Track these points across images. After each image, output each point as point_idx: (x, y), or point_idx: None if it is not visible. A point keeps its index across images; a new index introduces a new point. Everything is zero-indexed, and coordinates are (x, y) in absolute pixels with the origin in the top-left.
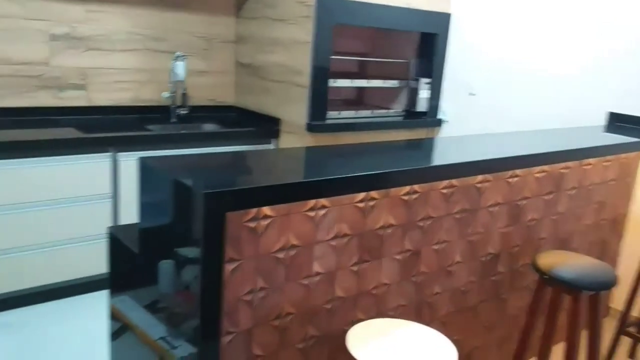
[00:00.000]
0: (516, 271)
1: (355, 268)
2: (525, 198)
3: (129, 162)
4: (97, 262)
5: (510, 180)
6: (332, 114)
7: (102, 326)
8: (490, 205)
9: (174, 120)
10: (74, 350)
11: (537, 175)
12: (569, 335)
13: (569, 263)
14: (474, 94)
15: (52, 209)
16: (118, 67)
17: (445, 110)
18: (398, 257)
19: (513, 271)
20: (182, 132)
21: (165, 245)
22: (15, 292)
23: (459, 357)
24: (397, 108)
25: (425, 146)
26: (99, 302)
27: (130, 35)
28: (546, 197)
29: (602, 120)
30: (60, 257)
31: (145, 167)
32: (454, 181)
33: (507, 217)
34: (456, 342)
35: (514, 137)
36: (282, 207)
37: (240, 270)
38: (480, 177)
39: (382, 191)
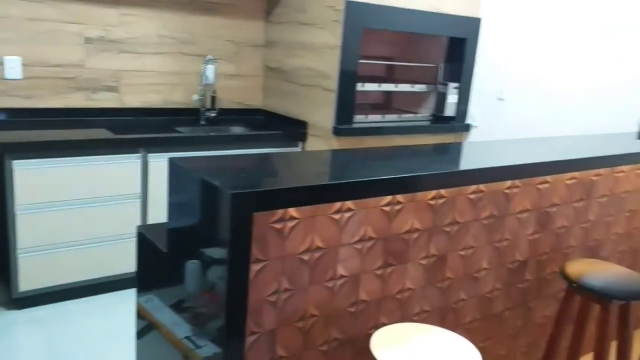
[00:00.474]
0: (544, 279)
1: (379, 272)
2: (555, 205)
3: (159, 163)
4: (126, 261)
5: (539, 186)
6: (359, 117)
7: (129, 324)
8: (519, 212)
9: (203, 122)
10: (101, 347)
11: (568, 182)
12: (597, 345)
13: (598, 271)
14: (503, 99)
15: (84, 207)
16: (149, 70)
17: (474, 115)
18: (423, 262)
19: (540, 279)
20: (211, 134)
21: (192, 245)
22: (46, 288)
23: None
24: (425, 113)
25: (452, 150)
26: (128, 300)
27: (161, 39)
28: (576, 205)
29: (635, 127)
30: (90, 255)
31: (175, 167)
32: (482, 186)
33: (536, 224)
34: (481, 350)
35: (544, 143)
36: (308, 209)
37: (265, 271)
38: (509, 183)
39: (409, 195)
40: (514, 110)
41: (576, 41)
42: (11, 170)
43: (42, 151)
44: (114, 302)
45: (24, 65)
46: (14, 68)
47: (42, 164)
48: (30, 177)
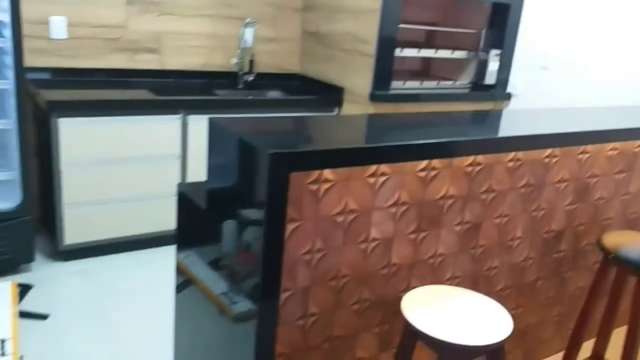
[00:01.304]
0: (579, 250)
1: (412, 236)
2: (595, 176)
3: (198, 125)
4: (167, 219)
5: (579, 156)
6: (396, 84)
7: (169, 278)
8: (557, 181)
9: (240, 86)
10: (142, 299)
11: (609, 152)
12: (632, 319)
13: (636, 244)
14: (546, 68)
15: (126, 166)
16: (190, 32)
17: (515, 83)
18: (457, 228)
19: (576, 250)
20: (248, 98)
21: (230, 205)
22: (90, 242)
23: (513, 331)
24: (464, 80)
25: (491, 118)
26: (168, 256)
27: (202, 1)
28: (617, 176)
29: None
30: (133, 212)
31: (215, 127)
32: (520, 154)
33: (574, 195)
34: (512, 317)
35: (587, 113)
36: (343, 172)
37: (300, 231)
38: (548, 151)
39: (445, 161)
40: (557, 80)
41: (624, 11)
42: (57, 128)
43: (86, 110)
44: (154, 258)
45: (69, 25)
46: (59, 28)
47: (86, 122)
48: (75, 134)
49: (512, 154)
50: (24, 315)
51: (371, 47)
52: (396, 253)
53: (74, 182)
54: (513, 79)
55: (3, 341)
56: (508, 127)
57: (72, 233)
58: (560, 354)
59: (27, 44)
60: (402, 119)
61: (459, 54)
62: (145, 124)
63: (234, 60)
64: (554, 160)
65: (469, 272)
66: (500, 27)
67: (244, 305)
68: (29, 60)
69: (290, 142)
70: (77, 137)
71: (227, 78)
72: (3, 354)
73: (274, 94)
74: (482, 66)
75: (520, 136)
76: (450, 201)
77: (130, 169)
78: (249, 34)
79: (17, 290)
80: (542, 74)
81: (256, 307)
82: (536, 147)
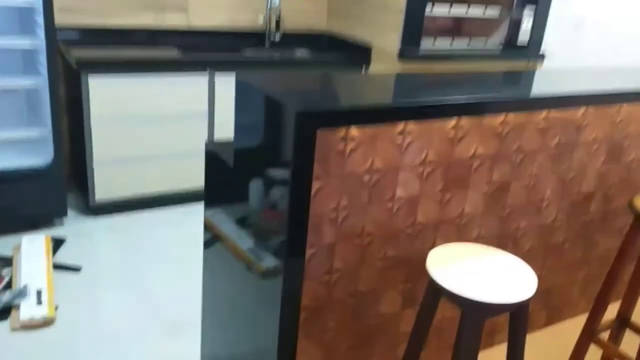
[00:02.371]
0: (609, 212)
1: (438, 196)
2: (629, 136)
3: (225, 84)
4: (195, 176)
5: (614, 116)
6: (426, 42)
7: (197, 234)
8: (589, 142)
9: (267, 45)
10: (172, 254)
11: None
12: None
13: None
14: (581, 27)
15: (154, 123)
16: None
17: (549, 43)
18: (485, 188)
19: (606, 212)
20: (275, 57)
21: (257, 163)
22: (120, 198)
23: (539, 292)
24: (496, 39)
25: (524, 77)
26: (196, 213)
27: None
28: None
29: None
30: (161, 170)
31: (242, 84)
32: (552, 113)
33: (607, 155)
34: (538, 278)
35: (622, 72)
36: (370, 130)
37: (326, 189)
38: (581, 111)
39: (474, 119)
40: (593, 39)
41: None
42: (87, 86)
43: (115, 68)
44: (183, 214)
45: None
46: None
47: (116, 81)
48: (104, 92)
49: (543, 113)
50: (57, 267)
51: (401, 4)
52: (422, 212)
53: (103, 139)
54: (547, 38)
55: (39, 291)
56: (540, 86)
57: (102, 189)
58: (585, 316)
59: (57, 2)
60: (431, 78)
61: (491, 12)
62: (173, 82)
63: (261, 19)
64: (587, 120)
65: (495, 232)
66: None
67: (270, 261)
68: (59, 19)
69: (318, 100)
70: (106, 95)
71: (254, 37)
72: (40, 303)
73: (300, 53)
74: (515, 25)
75: (553, 94)
76: (478, 161)
77: (159, 127)
78: None
79: (51, 243)
80: (577, 33)
81: (282, 264)
82: (569, 105)
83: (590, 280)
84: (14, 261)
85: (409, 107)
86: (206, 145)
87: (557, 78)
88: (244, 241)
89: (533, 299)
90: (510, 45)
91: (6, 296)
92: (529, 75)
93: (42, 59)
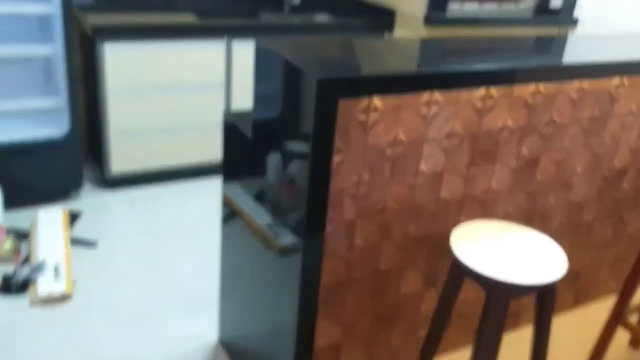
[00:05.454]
0: None
1: (464, 171)
2: None
3: (243, 50)
4: (212, 149)
5: None
6: (453, 5)
7: (216, 208)
8: (624, 114)
9: (286, 9)
10: (189, 228)
11: None
12: None
13: None
14: None
15: (171, 93)
16: None
17: (584, 7)
18: (513, 163)
19: (639, 189)
20: (295, 22)
21: (277, 135)
22: (137, 170)
23: (566, 272)
24: (528, 3)
25: (556, 44)
26: (214, 186)
27: None
28: None
29: None
30: (178, 142)
31: (261, 51)
32: (586, 83)
33: None
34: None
35: None
36: (394, 100)
37: (347, 163)
38: (616, 81)
39: (503, 89)
40: (629, 4)
41: None
42: (103, 53)
43: (131, 35)
44: (201, 188)
45: None
46: None
47: (132, 48)
48: (120, 60)
49: (576, 83)
50: (74, 242)
51: None
52: (446, 188)
53: (120, 110)
54: (581, 3)
55: (57, 266)
56: (573, 54)
57: (119, 162)
58: (614, 297)
59: None
60: (458, 44)
61: None
62: (190, 49)
63: None
64: (622, 91)
65: (522, 209)
66: None
67: (289, 238)
68: None
69: (340, 68)
70: (122, 63)
71: (272, 1)
72: (57, 278)
73: (321, 18)
74: None
75: (586, 63)
76: (507, 134)
77: (176, 96)
78: None
79: (68, 217)
80: None
81: (302, 240)
82: (603, 75)
83: (620, 261)
84: (32, 235)
85: (435, 75)
86: (224, 116)
87: (591, 45)
88: (262, 217)
89: (560, 280)
90: (543, 10)
91: (25, 271)
92: (562, 42)
93: (58, 25)
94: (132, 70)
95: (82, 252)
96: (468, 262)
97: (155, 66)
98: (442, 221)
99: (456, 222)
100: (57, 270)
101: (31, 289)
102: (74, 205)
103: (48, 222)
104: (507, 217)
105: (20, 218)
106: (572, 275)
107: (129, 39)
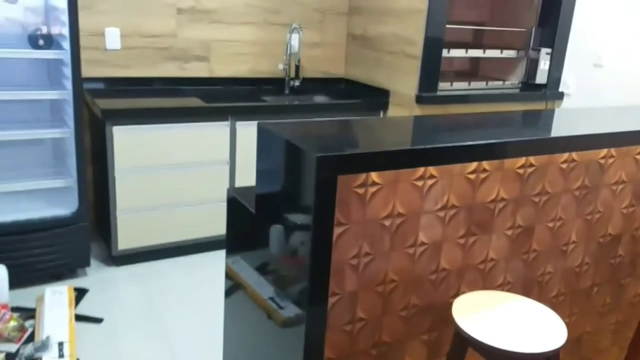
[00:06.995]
0: (638, 255)
1: (462, 241)
2: None
3: (246, 130)
4: (216, 224)
5: (638, 156)
6: (443, 85)
7: (219, 282)
8: (614, 183)
9: (287, 92)
10: (194, 303)
11: None
12: None
13: None
14: (600, 65)
15: (177, 172)
16: (237, 40)
17: (568, 82)
18: (508, 232)
19: (635, 254)
20: (295, 103)
21: (278, 209)
22: (143, 247)
23: (568, 340)
24: (514, 80)
25: (543, 117)
26: (217, 261)
27: (249, 8)
28: None
29: None
30: (183, 218)
31: (263, 131)
32: (575, 155)
33: (632, 197)
34: (566, 325)
35: None
36: (390, 175)
37: (347, 235)
38: (604, 152)
39: (495, 163)
40: (612, 78)
41: None
42: (112, 135)
43: (139, 118)
44: (205, 262)
45: (122, 36)
46: (113, 39)
47: (140, 130)
48: (128, 141)
49: (566, 155)
50: (80, 318)
51: (417, 49)
52: (445, 258)
53: (127, 189)
54: (565, 78)
55: (61, 344)
56: (561, 127)
57: (125, 238)
58: None
59: (83, 55)
60: (449, 120)
61: (508, 54)
62: (195, 130)
63: (281, 66)
64: (611, 160)
65: (521, 277)
66: (552, 24)
67: (291, 310)
68: (85, 71)
69: (337, 145)
70: (130, 144)
71: (273, 84)
72: (61, 356)
73: (319, 99)
74: (533, 65)
75: (575, 135)
76: (501, 204)
77: (181, 175)
78: (295, 40)
79: (74, 294)
80: (596, 72)
81: (304, 312)
82: (591, 147)
83: (622, 327)
84: (37, 313)
85: (427, 151)
86: (228, 191)
87: (577, 118)
88: (265, 289)
89: (563, 348)
90: (529, 86)
91: (29, 349)
92: (549, 116)
93: (69, 109)
94: (139, 150)
95: (87, 328)
96: (470, 332)
97: (161, 146)
98: (443, 291)
99: (457, 291)
100: (61, 347)
101: None
102: (80, 282)
103: (54, 300)
104: (506, 285)
105: (27, 296)
106: (575, 342)
107: (137, 122)
